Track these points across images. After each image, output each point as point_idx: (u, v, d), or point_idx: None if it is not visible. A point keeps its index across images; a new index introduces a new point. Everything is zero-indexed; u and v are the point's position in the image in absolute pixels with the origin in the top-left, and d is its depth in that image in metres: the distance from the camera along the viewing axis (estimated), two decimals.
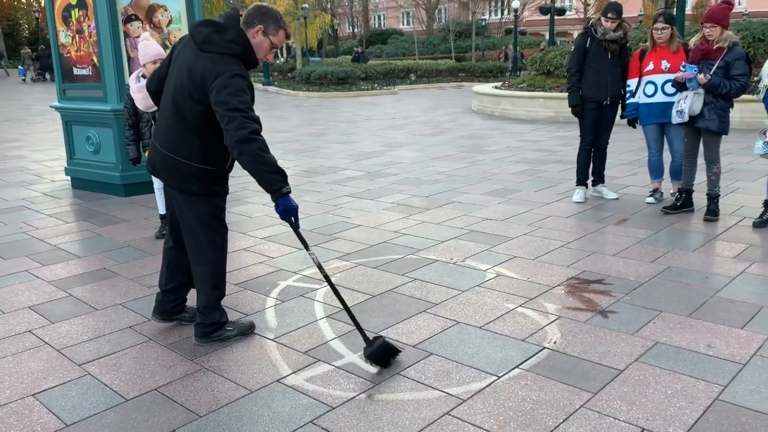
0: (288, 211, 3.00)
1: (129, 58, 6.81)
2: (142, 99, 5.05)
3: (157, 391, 2.95)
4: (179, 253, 3.45)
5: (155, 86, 3.38)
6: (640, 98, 5.88)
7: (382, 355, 3.09)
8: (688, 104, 5.28)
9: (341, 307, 3.82)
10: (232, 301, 3.98)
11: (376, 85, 25.73)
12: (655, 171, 6.16)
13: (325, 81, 24.75)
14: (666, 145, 6.01)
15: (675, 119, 5.43)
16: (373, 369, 3.08)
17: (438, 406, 2.75)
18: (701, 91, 5.27)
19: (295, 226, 3.09)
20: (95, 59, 6.88)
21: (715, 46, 5.21)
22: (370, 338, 3.15)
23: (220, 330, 3.41)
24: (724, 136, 5.45)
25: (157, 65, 4.81)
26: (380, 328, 3.54)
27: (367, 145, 10.77)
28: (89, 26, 6.85)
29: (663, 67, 5.70)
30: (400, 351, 3.15)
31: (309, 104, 20.32)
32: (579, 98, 6.10)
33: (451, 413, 2.69)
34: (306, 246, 3.18)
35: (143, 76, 5.06)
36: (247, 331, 3.51)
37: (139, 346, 3.40)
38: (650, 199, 6.15)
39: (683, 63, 5.37)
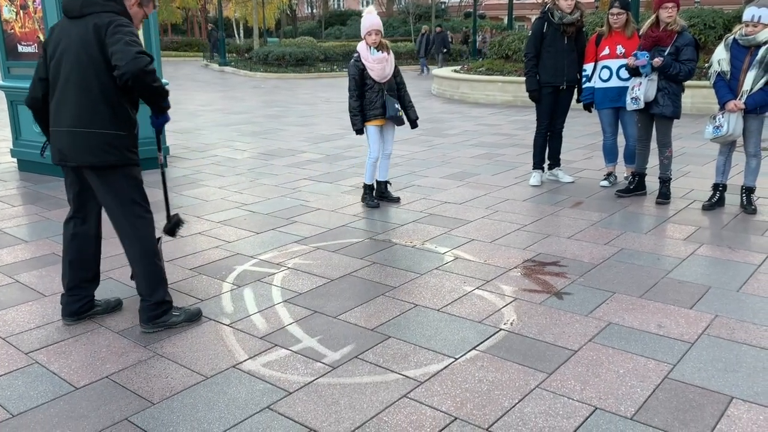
0: (165, 123, 3.44)
1: None
2: (379, 70, 5.34)
3: (109, 378, 2.87)
4: (83, 243, 3.37)
5: (41, 89, 3.25)
6: (595, 83, 5.96)
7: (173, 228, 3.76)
8: (642, 91, 5.38)
9: (298, 291, 3.80)
10: (187, 286, 3.91)
11: (335, 66, 25.52)
12: (610, 155, 6.27)
13: (283, 62, 24.42)
14: (621, 129, 6.12)
15: (630, 106, 5.52)
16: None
17: (396, 388, 2.76)
18: (654, 77, 5.37)
19: (160, 132, 3.55)
20: (41, 36, 6.61)
21: (670, 29, 5.31)
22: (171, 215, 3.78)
23: (167, 314, 3.33)
24: (675, 121, 5.58)
25: (372, 37, 5.23)
26: (338, 311, 3.52)
27: (327, 128, 10.68)
28: (34, 1, 6.56)
29: (618, 52, 5.79)
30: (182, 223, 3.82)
31: (267, 85, 20.03)
32: (536, 83, 6.15)
33: (409, 395, 2.70)
34: (160, 149, 3.65)
35: (377, 49, 5.38)
36: (194, 317, 3.43)
37: (90, 333, 3.31)
38: (604, 183, 6.27)
39: (635, 51, 5.45)
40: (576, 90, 6.25)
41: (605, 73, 5.86)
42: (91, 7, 3.09)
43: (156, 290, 3.30)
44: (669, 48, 5.31)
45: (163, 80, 7.25)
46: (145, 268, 3.28)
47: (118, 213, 3.24)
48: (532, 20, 7.44)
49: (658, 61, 5.26)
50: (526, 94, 6.38)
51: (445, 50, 24.15)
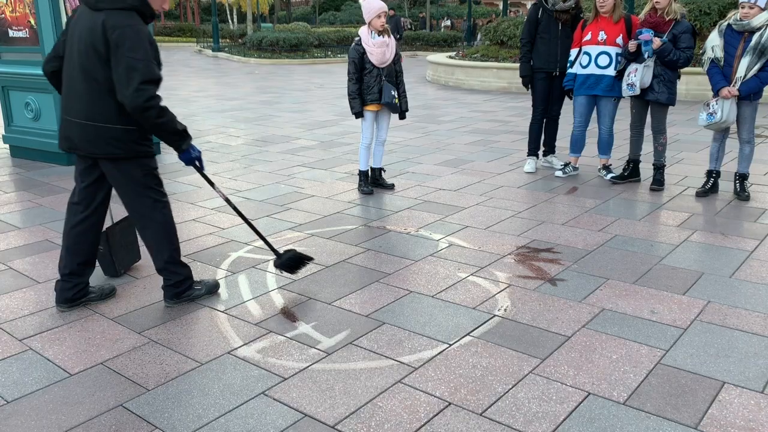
0: (190, 161, 3.30)
1: None
2: (379, 55, 5.31)
3: (104, 365, 2.88)
4: (84, 230, 3.35)
5: (53, 66, 3.27)
6: (577, 69, 5.89)
7: (292, 264, 3.67)
8: (638, 77, 5.36)
9: (293, 277, 3.80)
10: None
11: (330, 52, 25.38)
12: (575, 145, 6.11)
13: (277, 47, 24.26)
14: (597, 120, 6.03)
15: (626, 92, 5.50)
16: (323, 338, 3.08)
17: (390, 374, 2.77)
18: (651, 63, 5.35)
19: (200, 169, 3.40)
20: (32, 21, 6.54)
21: (668, 18, 5.29)
22: (280, 252, 3.70)
23: (190, 289, 3.46)
24: (670, 107, 5.58)
25: (381, 19, 5.19)
26: (333, 298, 3.53)
27: (321, 114, 10.64)
28: None
29: (599, 38, 5.66)
30: (310, 259, 3.77)
31: (261, 71, 19.91)
32: (529, 69, 6.13)
33: (403, 381, 2.71)
34: (211, 184, 3.53)
35: (379, 33, 5.33)
36: (214, 289, 3.59)
37: (84, 320, 3.31)
38: (559, 173, 6.14)
39: (638, 29, 5.37)
40: None
41: (585, 59, 5.76)
42: (105, 3, 3.02)
43: (177, 271, 3.41)
44: (666, 35, 5.28)
45: None
46: (162, 249, 3.36)
47: (133, 199, 3.27)
48: (528, 6, 7.37)
49: (657, 41, 5.21)
50: (521, 80, 6.35)
51: (398, 36, 23.42)
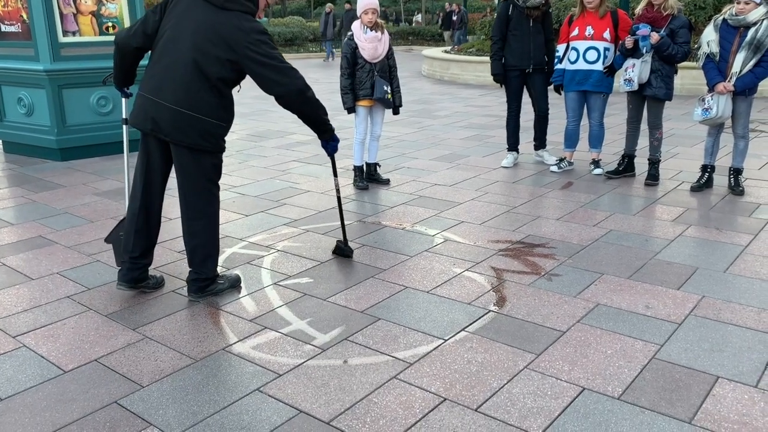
0: (335, 150, 3.66)
1: (62, 15, 6.46)
2: (371, 50, 5.30)
3: (98, 361, 2.87)
4: (149, 215, 3.43)
5: (140, 42, 3.27)
6: (565, 65, 5.88)
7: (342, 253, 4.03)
8: (636, 73, 5.35)
9: (288, 273, 3.79)
10: (176, 269, 3.89)
11: (324, 47, 25.29)
12: (570, 140, 6.13)
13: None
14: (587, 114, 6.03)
15: (623, 88, 5.49)
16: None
17: (385, 370, 2.77)
18: (648, 58, 5.33)
19: (334, 158, 3.81)
20: (24, 15, 6.50)
21: (665, 13, 5.28)
22: (346, 243, 4.05)
23: (214, 283, 3.49)
24: (666, 102, 5.57)
25: (368, 16, 5.22)
26: (328, 294, 3.52)
27: None
28: None
29: (587, 33, 5.66)
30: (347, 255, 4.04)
31: None
32: (501, 67, 6.13)
33: (399, 377, 2.71)
34: (335, 173, 3.97)
35: (371, 28, 5.34)
36: (236, 283, 3.61)
37: (78, 316, 3.29)
38: (554, 168, 6.15)
39: (635, 24, 5.37)
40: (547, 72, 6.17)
41: (573, 55, 5.75)
42: (234, 5, 3.12)
43: (209, 264, 3.43)
44: (663, 30, 5.27)
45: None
46: (206, 242, 3.40)
47: (195, 189, 3.32)
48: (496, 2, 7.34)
49: (655, 36, 5.20)
50: (493, 78, 6.36)
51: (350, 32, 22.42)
